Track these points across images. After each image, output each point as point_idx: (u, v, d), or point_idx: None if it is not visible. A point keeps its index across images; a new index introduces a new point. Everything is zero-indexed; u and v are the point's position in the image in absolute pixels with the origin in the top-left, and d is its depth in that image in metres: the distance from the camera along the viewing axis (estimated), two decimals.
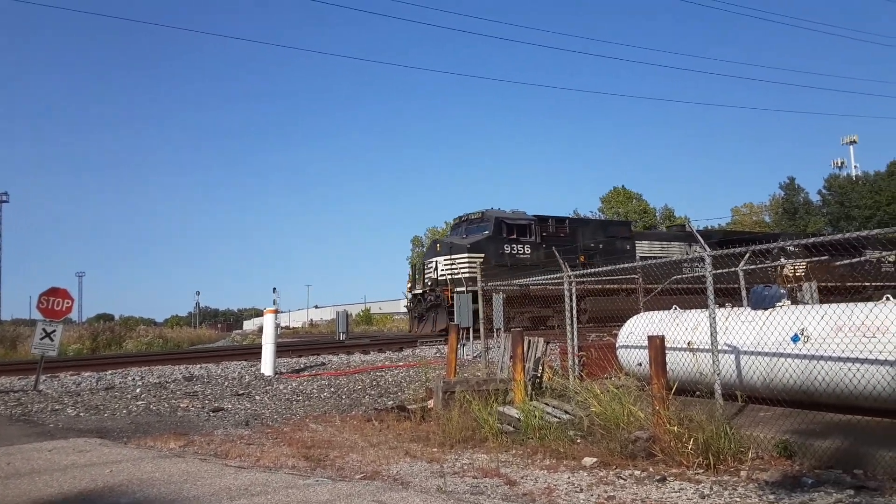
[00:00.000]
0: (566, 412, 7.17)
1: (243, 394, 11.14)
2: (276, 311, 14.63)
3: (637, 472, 5.39)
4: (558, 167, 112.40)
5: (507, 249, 23.66)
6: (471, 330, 16.80)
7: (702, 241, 7.20)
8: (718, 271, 8.21)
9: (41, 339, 11.60)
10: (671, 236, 28.93)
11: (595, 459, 5.78)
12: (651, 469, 5.47)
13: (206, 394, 11.15)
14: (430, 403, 9.05)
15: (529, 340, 9.10)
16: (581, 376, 8.92)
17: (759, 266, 11.58)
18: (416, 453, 6.52)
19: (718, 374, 6.66)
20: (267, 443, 7.26)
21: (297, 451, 6.69)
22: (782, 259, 14.87)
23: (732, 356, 7.01)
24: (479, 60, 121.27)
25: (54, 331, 11.64)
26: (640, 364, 7.85)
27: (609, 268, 8.91)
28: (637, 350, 8.08)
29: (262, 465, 6.00)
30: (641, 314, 9.40)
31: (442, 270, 23.43)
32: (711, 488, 4.91)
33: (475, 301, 15.25)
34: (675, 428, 5.72)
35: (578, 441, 6.44)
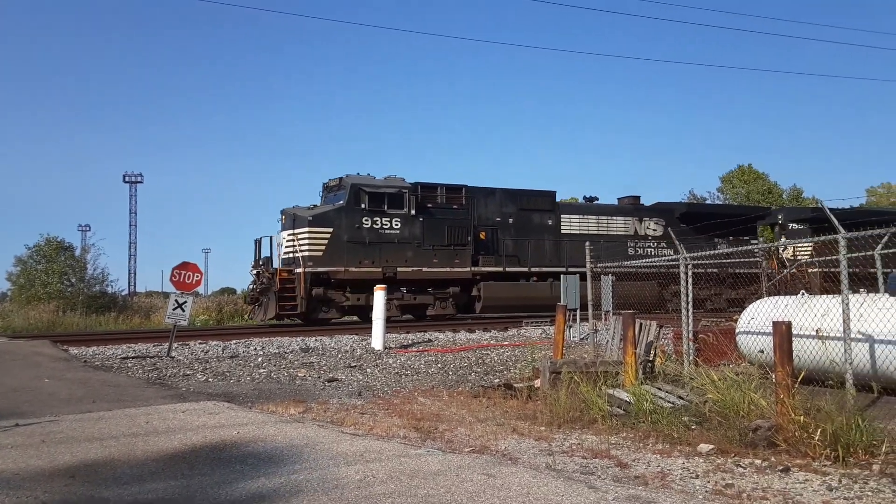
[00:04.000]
0: (680, 397, 6.95)
1: (355, 366, 11.57)
2: (385, 288, 15.03)
3: (757, 462, 5.15)
4: (674, 146, 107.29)
5: (367, 223, 19.73)
6: (577, 312, 16.53)
7: (836, 222, 6.71)
8: (853, 255, 7.64)
9: (173, 309, 12.51)
10: (614, 210, 24.73)
11: (711, 446, 5.57)
12: (773, 459, 5.21)
13: (321, 364, 11.66)
14: (537, 383, 9.03)
15: (641, 323, 8.87)
16: (696, 362, 8.61)
17: None
18: (524, 431, 6.54)
19: (850, 364, 6.23)
20: (379, 413, 7.51)
21: (407, 422, 6.88)
22: None
23: (866, 345, 6.54)
24: (590, 31, 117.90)
25: (185, 302, 12.51)
26: (763, 351, 7.48)
27: (730, 250, 8.48)
28: (759, 336, 7.70)
29: (376, 433, 6.22)
30: (764, 299, 8.93)
31: (286, 248, 20.01)
32: (840, 481, 4.62)
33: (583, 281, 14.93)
34: (801, 417, 5.41)
35: (693, 427, 6.23)
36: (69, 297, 26.96)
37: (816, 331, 7.14)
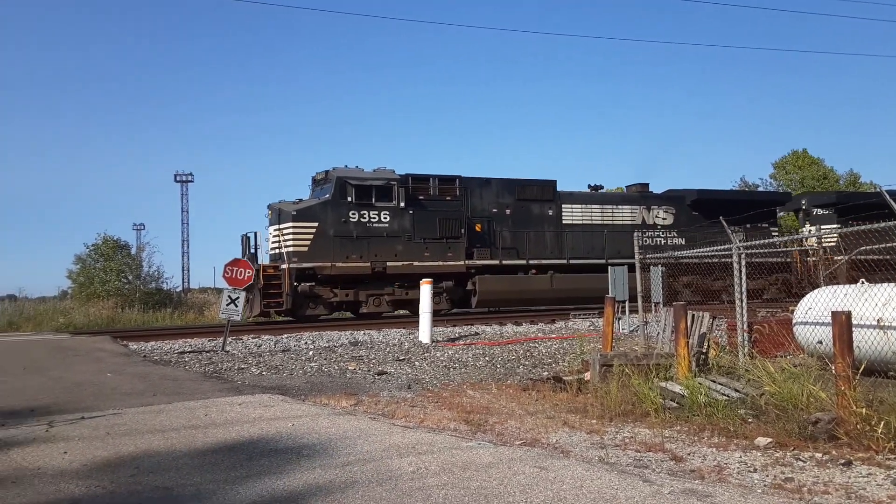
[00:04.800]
0: (735, 390, 6.81)
1: (404, 359, 11.67)
2: (431, 283, 15.10)
3: (818, 455, 5.02)
4: (725, 129, 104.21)
5: (355, 217, 19.13)
6: (626, 304, 16.32)
7: (895, 207, 6.46)
8: None
9: (227, 305, 12.82)
10: (620, 198, 23.93)
11: (769, 440, 5.45)
12: (834, 452, 5.07)
13: (371, 358, 11.80)
14: (587, 376, 8.97)
15: (693, 315, 8.71)
16: (751, 354, 8.42)
17: None
18: (575, 424, 6.50)
19: None
20: (429, 406, 7.57)
21: (457, 415, 6.92)
22: None
23: None
24: (624, 16, 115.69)
25: (238, 297, 12.81)
26: (821, 342, 7.27)
27: (783, 238, 8.25)
28: (818, 327, 7.48)
29: (426, 426, 6.27)
30: (822, 288, 8.67)
31: (272, 243, 19.67)
32: None
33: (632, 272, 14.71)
34: (863, 410, 5.26)
35: (750, 421, 6.10)
36: (127, 294, 27.83)
37: (878, 320, 6.90)
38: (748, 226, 23.07)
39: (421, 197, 20.27)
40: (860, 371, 5.72)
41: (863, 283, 7.88)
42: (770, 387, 6.33)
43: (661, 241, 23.14)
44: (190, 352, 12.88)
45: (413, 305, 19.99)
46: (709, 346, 8.71)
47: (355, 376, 10.11)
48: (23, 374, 9.70)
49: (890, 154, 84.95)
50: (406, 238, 19.68)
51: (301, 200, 19.68)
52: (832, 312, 5.66)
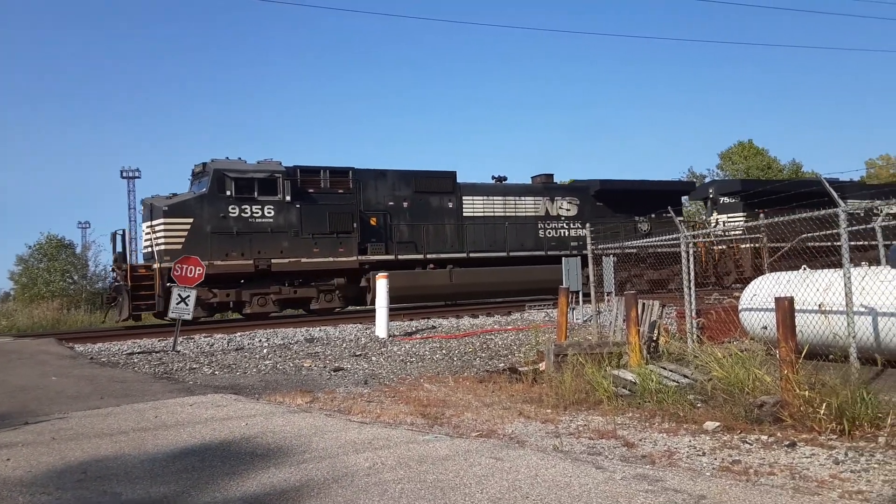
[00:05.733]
0: (685, 376, 6.99)
1: (360, 355, 11.61)
2: (387, 276, 15.05)
3: (764, 437, 5.19)
4: (671, 122, 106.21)
5: (235, 212, 17.91)
6: (580, 294, 16.56)
7: (835, 196, 6.70)
8: (854, 228, 7.63)
9: (177, 303, 12.53)
10: (523, 189, 22.88)
11: (718, 424, 5.61)
12: (779, 434, 5.25)
13: (327, 354, 11.71)
14: (542, 366, 9.07)
15: (644, 303, 8.89)
16: (700, 340, 8.64)
17: None
18: (530, 414, 6.58)
19: (854, 337, 6.26)
20: (385, 401, 7.55)
21: (414, 408, 6.92)
22: None
23: (869, 318, 6.56)
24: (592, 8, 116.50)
25: (189, 296, 12.53)
26: (766, 327, 7.50)
27: (727, 228, 8.46)
28: (762, 313, 7.72)
29: (383, 421, 6.25)
30: (766, 275, 8.94)
31: (145, 241, 18.34)
32: (846, 454, 4.65)
33: (584, 264, 14.92)
34: (806, 392, 5.44)
35: (699, 405, 6.27)
36: (72, 294, 27.02)
37: (819, 305, 7.15)
38: (653, 215, 22.94)
39: (311, 190, 19.16)
40: (803, 354, 5.92)
41: (805, 269, 8.15)
42: (717, 372, 6.51)
43: (564, 232, 22.66)
44: (139, 352, 12.56)
45: (303, 304, 19.36)
46: (659, 333, 8.91)
47: (311, 373, 10.01)
48: None
49: (831, 144, 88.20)
50: (293, 233, 18.54)
51: (175, 195, 18.36)
52: (775, 298, 5.84)
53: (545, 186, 23.31)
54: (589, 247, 12.95)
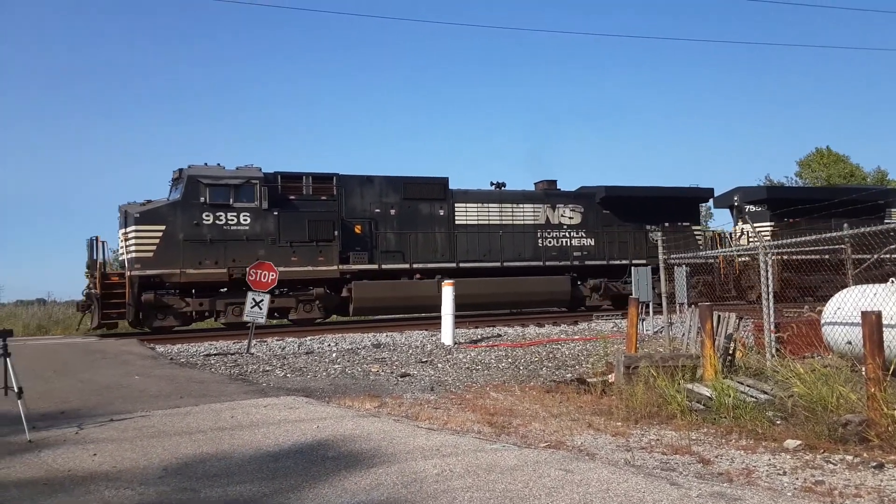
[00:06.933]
0: (763, 392, 6.72)
1: (426, 361, 11.69)
2: (453, 284, 15.09)
3: (848, 458, 4.94)
4: (750, 131, 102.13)
5: (209, 219, 17.41)
6: (649, 305, 16.19)
7: None
8: None
9: (251, 307, 12.94)
10: (521, 196, 21.66)
11: (799, 442, 5.37)
12: (865, 455, 4.98)
13: (393, 360, 11.83)
14: (611, 377, 8.90)
15: (719, 315, 8.62)
16: (780, 354, 8.30)
17: None
18: (599, 426, 6.46)
19: None
20: (452, 408, 7.57)
21: (481, 417, 6.91)
22: None
23: None
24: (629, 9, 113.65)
25: (262, 300, 12.92)
26: (850, 342, 7.15)
27: (812, 237, 8.14)
28: (847, 327, 7.36)
29: (450, 428, 6.27)
30: (851, 287, 8.52)
31: (120, 248, 17.99)
32: None
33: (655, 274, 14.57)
34: (895, 412, 5.15)
35: (778, 423, 6.02)
36: None
37: None
38: (666, 224, 22.01)
39: (292, 197, 18.67)
40: (891, 371, 5.61)
41: (892, 281, 7.74)
42: (799, 388, 6.24)
43: (566, 241, 21.63)
44: (216, 354, 13.02)
45: (282, 314, 18.62)
46: (735, 346, 8.61)
47: (378, 378, 10.14)
48: (52, 378, 9.87)
49: None
50: (270, 241, 17.98)
51: (150, 202, 17.95)
52: (862, 312, 5.56)
53: (546, 193, 22.26)
54: (661, 256, 12.64)
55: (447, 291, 14.68)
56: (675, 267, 14.07)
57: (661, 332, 13.75)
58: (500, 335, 15.83)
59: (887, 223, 22.54)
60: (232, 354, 12.89)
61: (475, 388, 9.24)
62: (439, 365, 11.35)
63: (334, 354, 12.55)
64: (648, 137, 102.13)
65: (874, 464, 4.76)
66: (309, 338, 15.32)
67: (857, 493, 4.19)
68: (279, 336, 15.84)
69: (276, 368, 11.00)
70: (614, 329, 16.01)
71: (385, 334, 15.95)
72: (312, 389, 8.92)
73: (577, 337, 14.84)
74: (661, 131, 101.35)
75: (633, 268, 16.09)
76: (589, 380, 9.32)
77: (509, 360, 11.79)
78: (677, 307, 13.60)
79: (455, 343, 13.91)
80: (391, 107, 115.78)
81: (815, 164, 51.94)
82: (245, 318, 13.34)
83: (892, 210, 24.43)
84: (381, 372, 10.66)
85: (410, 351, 12.95)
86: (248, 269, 13.58)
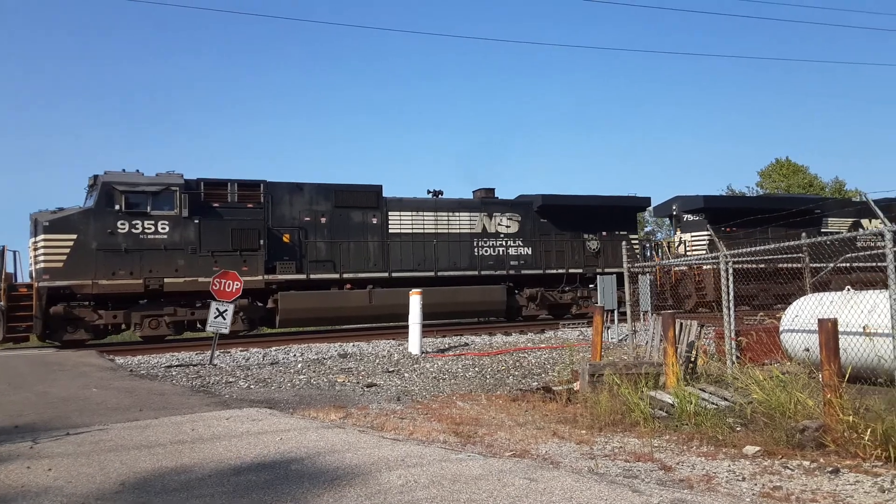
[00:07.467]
0: (724, 398, 6.84)
1: (393, 371, 11.63)
2: (421, 293, 15.07)
3: (805, 463, 5.04)
4: (711, 143, 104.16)
5: (124, 227, 16.80)
6: (615, 313, 16.38)
7: (881, 215, 6.54)
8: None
9: (215, 318, 12.74)
10: (457, 205, 21.35)
11: (758, 448, 5.47)
12: (821, 460, 5.10)
13: (360, 370, 11.76)
14: (576, 386, 8.98)
15: (681, 323, 8.75)
16: (740, 361, 8.46)
17: None
18: (564, 434, 6.50)
19: None
20: (418, 418, 7.54)
21: (446, 426, 6.90)
22: None
23: None
24: (611, 27, 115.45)
25: (226, 310, 12.73)
26: (808, 349, 7.32)
27: (769, 247, 8.33)
28: (804, 334, 7.54)
29: (416, 438, 6.24)
30: (808, 296, 8.74)
31: (31, 258, 17.19)
32: (892, 482, 4.50)
33: (620, 284, 14.72)
34: (850, 417, 5.29)
35: (738, 429, 6.13)
36: None
37: (863, 327, 6.96)
38: (604, 233, 22.19)
39: (216, 204, 18.02)
40: (846, 378, 5.76)
41: (848, 289, 7.95)
42: (758, 395, 6.36)
43: (503, 250, 21.43)
44: (177, 365, 12.78)
45: (201, 327, 17.53)
46: (697, 354, 8.75)
47: (344, 389, 10.06)
48: (7, 390, 9.58)
49: (874, 161, 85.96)
50: (190, 251, 17.38)
51: (61, 209, 17.09)
52: (818, 320, 5.70)
53: (483, 202, 21.99)
54: (625, 265, 12.82)
55: (415, 300, 14.65)
56: (640, 275, 14.27)
57: (626, 340, 13.91)
58: (467, 344, 15.85)
59: (824, 232, 23.13)
60: (194, 366, 12.66)
61: (442, 397, 9.22)
62: (406, 374, 11.31)
63: (300, 365, 12.42)
64: (609, 147, 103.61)
65: (830, 469, 4.87)
66: (274, 348, 15.14)
67: (813, 497, 4.28)
68: (243, 347, 15.62)
69: (240, 380, 10.83)
70: (580, 337, 16.14)
71: (352, 344, 15.85)
72: (277, 401, 8.81)
73: (543, 345, 14.93)
74: (621, 142, 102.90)
75: (598, 276, 16.25)
76: (554, 388, 9.38)
77: (476, 368, 11.81)
78: (641, 315, 13.77)
79: (422, 352, 13.88)
80: (328, 114, 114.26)
81: (776, 175, 53.27)
82: (208, 329, 13.13)
83: (828, 219, 24.97)
84: (347, 382, 10.58)
85: (377, 360, 12.88)
86: (212, 278, 13.38)
